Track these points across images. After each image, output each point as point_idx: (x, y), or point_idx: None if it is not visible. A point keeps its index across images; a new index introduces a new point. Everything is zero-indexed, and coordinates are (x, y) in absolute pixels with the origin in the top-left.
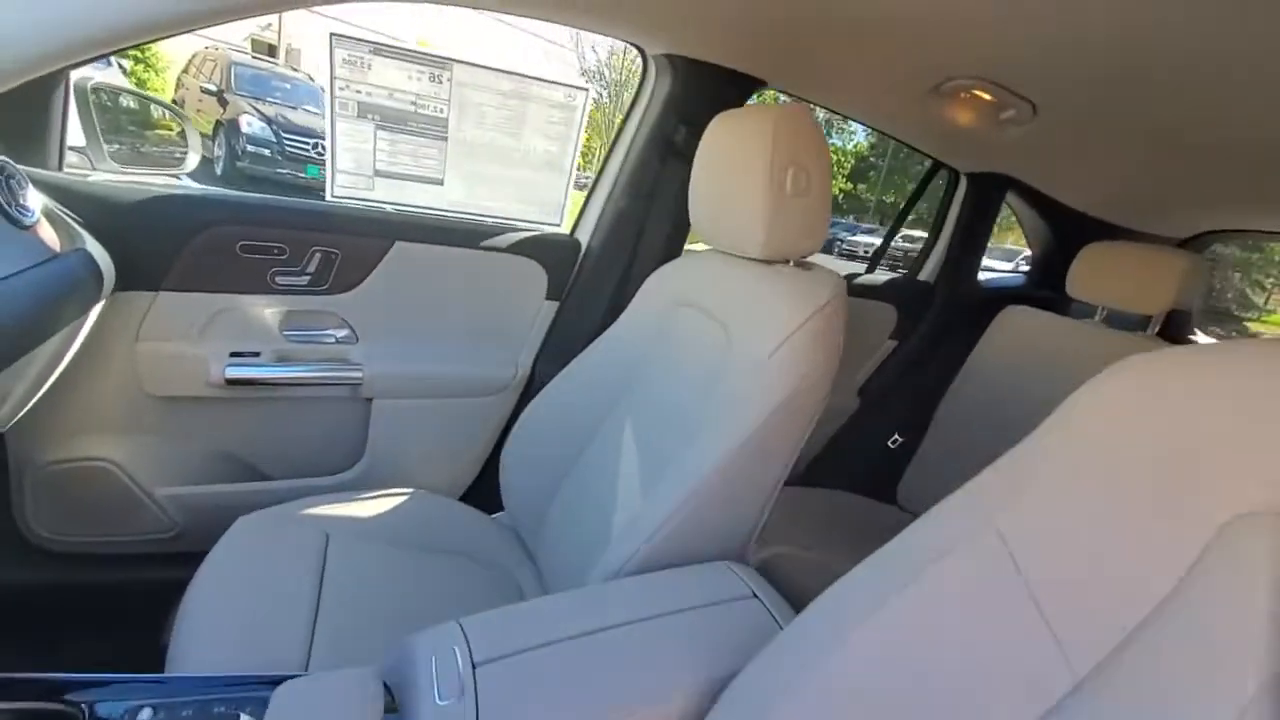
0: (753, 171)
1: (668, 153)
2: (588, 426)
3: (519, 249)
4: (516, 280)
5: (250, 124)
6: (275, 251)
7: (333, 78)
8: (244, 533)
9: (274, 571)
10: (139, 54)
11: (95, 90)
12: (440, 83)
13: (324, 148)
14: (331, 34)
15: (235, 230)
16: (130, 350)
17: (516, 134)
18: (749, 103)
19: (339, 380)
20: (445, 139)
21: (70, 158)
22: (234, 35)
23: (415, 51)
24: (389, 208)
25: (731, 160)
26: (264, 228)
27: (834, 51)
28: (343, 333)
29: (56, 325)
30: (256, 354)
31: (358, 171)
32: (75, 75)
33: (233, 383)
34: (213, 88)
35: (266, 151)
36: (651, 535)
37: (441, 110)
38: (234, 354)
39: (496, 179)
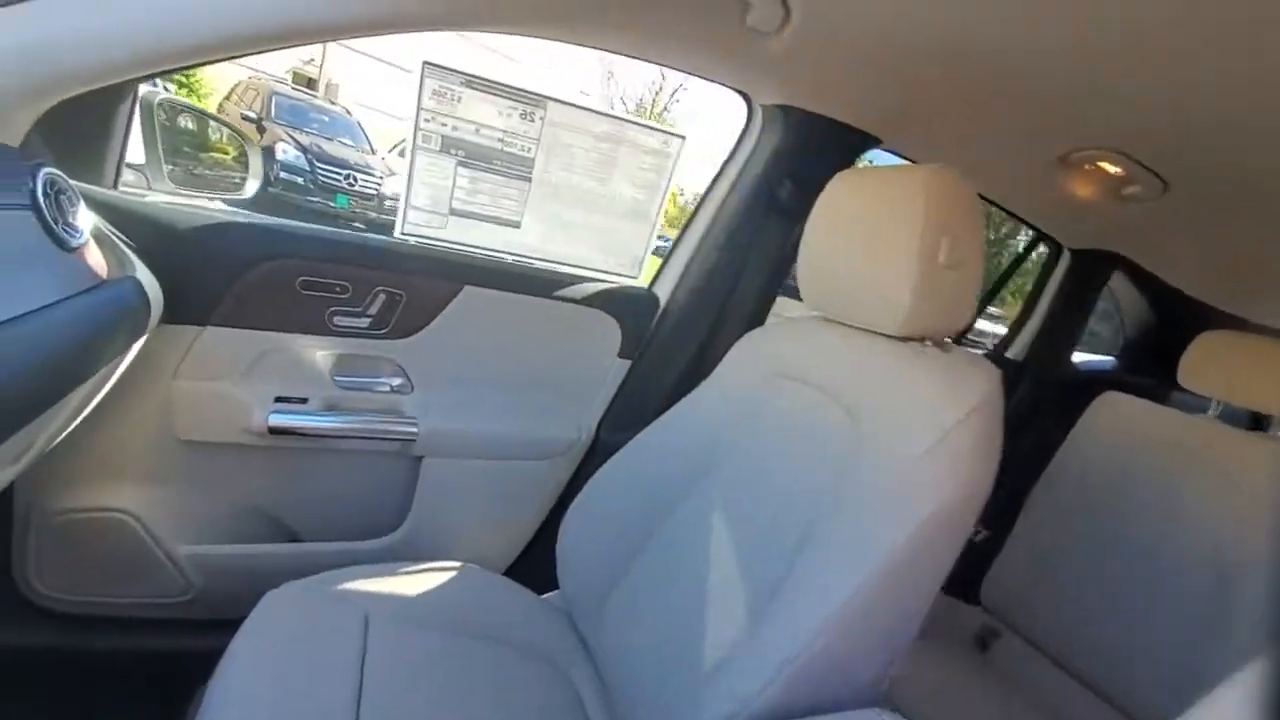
0: (898, 237)
1: (769, 208)
2: (664, 504)
3: (593, 301)
4: (588, 334)
5: (285, 151)
6: (337, 290)
7: (419, 108)
8: (275, 611)
9: (309, 661)
10: (183, 78)
11: (161, 106)
12: (532, 121)
13: (355, 178)
14: (425, 62)
15: (296, 264)
16: (166, 389)
17: (603, 179)
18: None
19: (391, 435)
20: (529, 180)
21: (125, 176)
22: (276, 67)
23: (510, 87)
24: (459, 249)
25: (866, 223)
26: (327, 263)
27: (962, 114)
28: (397, 381)
29: (99, 362)
30: (304, 400)
31: (432, 209)
32: (143, 89)
33: (275, 431)
34: (253, 115)
35: (299, 179)
36: (777, 673)
37: (529, 150)
38: (279, 399)
39: (576, 225)
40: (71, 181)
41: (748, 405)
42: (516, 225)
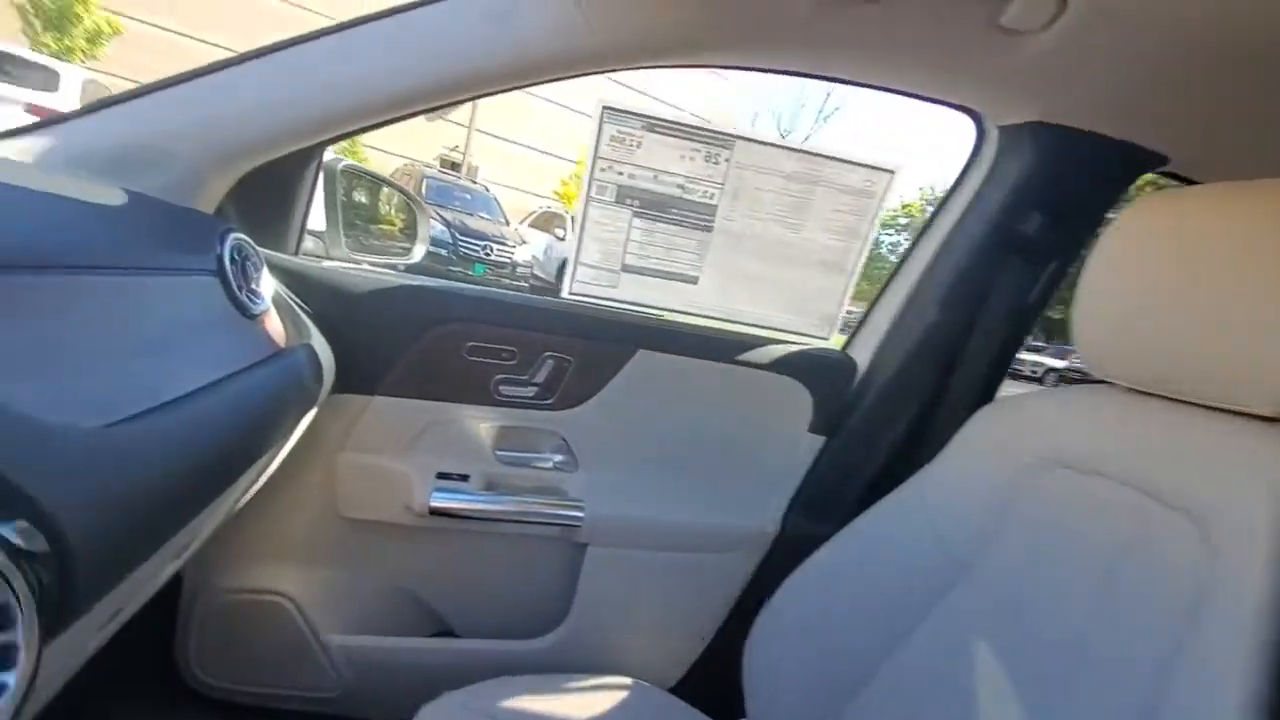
0: (1269, 281)
1: (1008, 248)
2: (892, 620)
3: (779, 366)
4: (774, 405)
5: (432, 227)
6: (504, 356)
7: (595, 156)
8: None
9: None
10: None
11: (344, 173)
12: (716, 163)
13: (491, 248)
14: (604, 107)
15: (465, 328)
16: (330, 462)
17: (794, 225)
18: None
19: (556, 520)
20: (709, 229)
21: (305, 243)
22: (427, 154)
23: (694, 127)
24: (631, 309)
25: (1209, 262)
26: (495, 327)
27: (1274, 123)
28: (560, 457)
29: (275, 437)
30: (465, 477)
31: (602, 265)
32: (326, 156)
33: (436, 513)
34: None
35: (443, 251)
36: None
37: (712, 196)
38: (440, 475)
39: (758, 279)
40: (257, 247)
41: (1007, 501)
42: (693, 280)
